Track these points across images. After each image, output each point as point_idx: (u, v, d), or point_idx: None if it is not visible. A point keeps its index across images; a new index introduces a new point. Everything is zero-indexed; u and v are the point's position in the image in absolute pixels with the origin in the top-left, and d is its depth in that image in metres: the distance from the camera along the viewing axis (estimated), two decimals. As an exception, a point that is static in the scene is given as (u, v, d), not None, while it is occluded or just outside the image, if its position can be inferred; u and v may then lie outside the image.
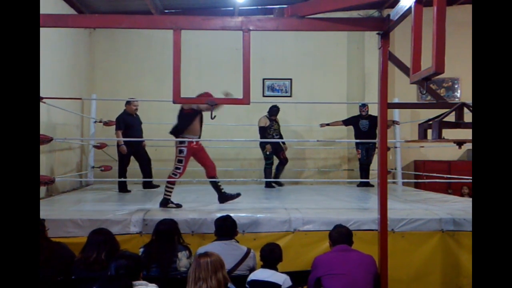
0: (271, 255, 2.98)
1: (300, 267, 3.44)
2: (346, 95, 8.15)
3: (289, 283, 2.84)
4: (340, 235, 3.08)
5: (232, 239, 3.23)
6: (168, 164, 7.40)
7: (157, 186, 6.17)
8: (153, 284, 2.52)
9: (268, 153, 6.70)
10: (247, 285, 2.86)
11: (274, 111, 6.76)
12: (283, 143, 6.91)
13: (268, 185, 6.68)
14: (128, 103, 6.08)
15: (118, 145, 5.95)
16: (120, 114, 6.06)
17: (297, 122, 7.70)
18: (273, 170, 6.87)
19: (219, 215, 3.47)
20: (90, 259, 2.88)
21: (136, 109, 6.12)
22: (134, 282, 2.44)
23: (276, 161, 6.85)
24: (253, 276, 2.89)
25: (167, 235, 3.21)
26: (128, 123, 5.97)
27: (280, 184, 6.81)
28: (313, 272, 2.97)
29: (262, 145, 6.72)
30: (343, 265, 2.85)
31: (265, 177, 6.74)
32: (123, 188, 6.02)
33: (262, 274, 2.87)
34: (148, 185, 6.23)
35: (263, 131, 6.70)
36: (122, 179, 5.99)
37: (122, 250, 2.94)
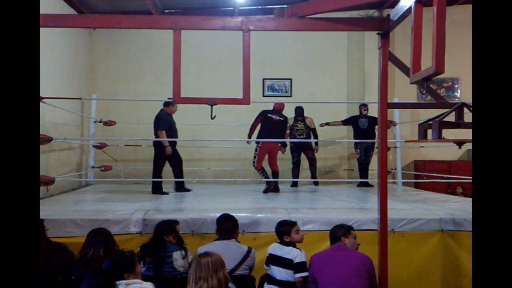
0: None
1: (300, 267, 3.44)
2: (346, 95, 8.16)
3: (302, 259, 2.98)
4: (336, 234, 3.07)
5: (232, 238, 3.23)
6: (168, 164, 7.43)
7: (189, 190, 5.97)
8: (148, 282, 2.54)
9: (283, 153, 6.87)
10: (268, 255, 3.13)
11: (295, 111, 6.86)
12: (316, 143, 6.97)
13: (293, 184, 6.78)
14: (171, 104, 5.72)
15: (163, 146, 5.61)
16: (160, 114, 5.74)
17: (297, 122, 7.71)
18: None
19: (219, 215, 3.47)
20: (87, 256, 2.89)
21: (176, 111, 5.86)
22: (129, 281, 2.46)
23: (303, 161, 6.97)
24: (272, 250, 3.11)
25: (157, 236, 3.25)
26: (170, 123, 5.76)
27: (316, 184, 6.89)
28: (309, 270, 2.98)
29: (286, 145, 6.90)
30: (335, 264, 2.83)
31: (292, 177, 6.86)
32: (158, 189, 5.74)
33: (280, 250, 3.07)
34: (181, 187, 5.98)
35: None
36: (158, 179, 5.76)
37: (119, 249, 2.95)
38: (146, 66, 7.97)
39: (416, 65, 2.64)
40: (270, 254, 3.12)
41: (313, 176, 6.89)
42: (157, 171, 5.81)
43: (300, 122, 6.84)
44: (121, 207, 4.37)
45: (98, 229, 3.18)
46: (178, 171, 5.90)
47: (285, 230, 3.15)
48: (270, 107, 7.80)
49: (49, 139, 4.83)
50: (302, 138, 6.76)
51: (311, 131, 6.89)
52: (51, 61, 6.09)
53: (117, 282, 2.45)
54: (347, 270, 2.79)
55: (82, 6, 7.11)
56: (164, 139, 5.57)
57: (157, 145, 5.73)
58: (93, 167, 7.19)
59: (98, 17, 4.23)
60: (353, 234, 3.08)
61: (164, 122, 5.66)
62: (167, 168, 5.95)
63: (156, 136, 5.70)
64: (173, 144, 5.77)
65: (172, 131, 5.77)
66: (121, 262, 2.57)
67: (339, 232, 3.07)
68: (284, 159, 7.69)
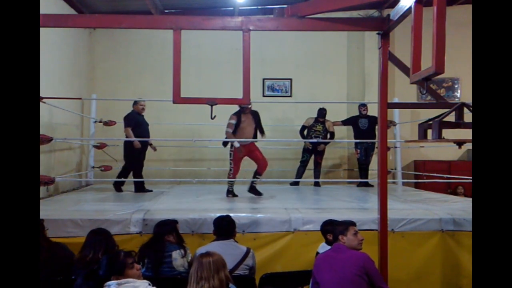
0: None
1: (300, 267, 3.44)
2: (346, 95, 8.15)
3: None
4: (334, 234, 3.06)
5: (230, 238, 3.23)
6: (168, 164, 7.44)
7: (150, 191, 6.00)
8: (144, 280, 2.52)
9: (308, 147, 6.93)
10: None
11: (318, 113, 6.86)
12: (323, 143, 6.95)
13: (294, 183, 6.83)
14: (135, 103, 6.03)
15: (130, 142, 5.79)
16: (129, 113, 5.97)
17: (297, 122, 7.70)
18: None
19: (219, 215, 3.47)
20: (87, 259, 2.88)
21: (143, 109, 6.05)
22: (120, 281, 2.43)
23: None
24: (318, 249, 3.31)
25: (156, 236, 3.27)
26: (138, 121, 5.92)
27: (317, 184, 6.95)
28: (313, 270, 2.98)
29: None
30: (331, 266, 2.80)
31: (295, 175, 6.93)
32: (141, 188, 5.92)
33: (322, 248, 3.22)
34: (140, 189, 6.01)
35: (301, 129, 6.94)
36: (139, 179, 5.90)
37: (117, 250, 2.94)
38: (146, 66, 7.96)
39: (416, 65, 2.64)
40: (317, 252, 3.27)
41: (316, 178, 6.94)
42: (137, 169, 5.95)
43: (319, 124, 6.86)
44: (121, 207, 4.37)
45: (98, 229, 3.18)
46: (137, 172, 6.02)
47: (330, 229, 3.25)
48: (270, 107, 7.84)
49: (49, 139, 4.83)
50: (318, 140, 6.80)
51: (329, 134, 6.90)
52: (51, 61, 6.09)
53: (107, 283, 2.42)
54: (343, 273, 2.75)
55: (82, 6, 7.11)
56: (132, 136, 5.77)
57: (127, 143, 5.89)
58: (93, 167, 7.19)
59: (98, 17, 4.22)
60: (352, 230, 2.98)
61: (131, 120, 5.87)
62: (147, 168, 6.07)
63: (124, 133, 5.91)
64: (142, 144, 5.90)
65: (140, 129, 5.91)
66: (107, 266, 2.53)
67: (337, 230, 3.04)
68: (287, 159, 7.69)
